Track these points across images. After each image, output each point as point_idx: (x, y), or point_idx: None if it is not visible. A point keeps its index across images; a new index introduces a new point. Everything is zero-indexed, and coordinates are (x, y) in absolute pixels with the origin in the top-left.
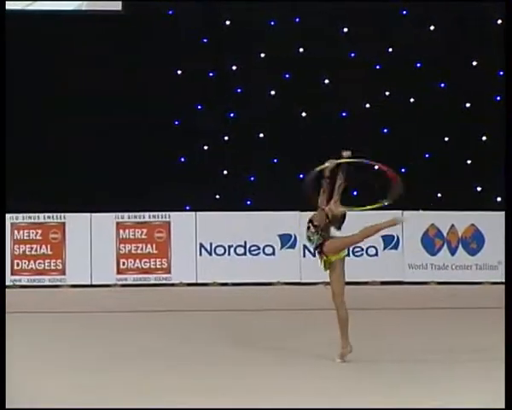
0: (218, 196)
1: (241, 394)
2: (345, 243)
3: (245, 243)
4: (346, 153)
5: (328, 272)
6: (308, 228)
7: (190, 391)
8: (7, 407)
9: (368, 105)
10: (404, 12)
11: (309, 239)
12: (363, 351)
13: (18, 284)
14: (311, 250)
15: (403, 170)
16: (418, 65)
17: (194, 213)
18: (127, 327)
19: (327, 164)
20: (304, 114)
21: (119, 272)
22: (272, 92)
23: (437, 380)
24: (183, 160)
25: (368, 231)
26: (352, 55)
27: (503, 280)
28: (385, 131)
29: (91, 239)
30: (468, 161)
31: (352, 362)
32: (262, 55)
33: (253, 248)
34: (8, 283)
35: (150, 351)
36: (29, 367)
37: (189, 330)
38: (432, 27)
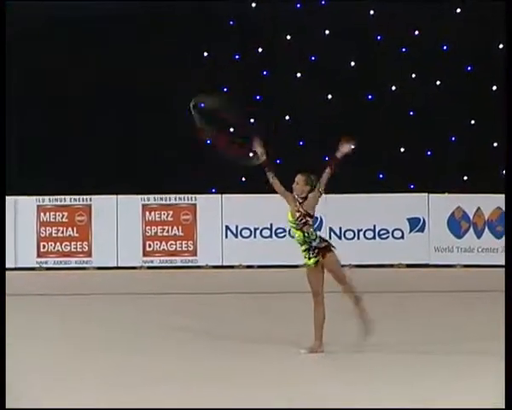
0: (243, 179)
1: (272, 377)
2: (339, 272)
3: (271, 225)
4: None
5: (309, 270)
6: (306, 223)
7: (227, 375)
8: (7, 406)
9: (394, 88)
10: None
11: (307, 236)
12: (388, 333)
13: (44, 266)
14: (300, 245)
15: (429, 153)
16: (445, 48)
17: (220, 195)
18: (153, 309)
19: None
20: (330, 97)
21: (145, 254)
22: (298, 75)
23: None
24: (209, 142)
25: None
26: (379, 38)
27: None
28: (411, 113)
29: (117, 221)
30: (495, 144)
31: (377, 346)
32: (288, 37)
33: (279, 231)
34: (34, 265)
35: (177, 332)
36: (58, 349)
37: (215, 312)
38: (458, 10)
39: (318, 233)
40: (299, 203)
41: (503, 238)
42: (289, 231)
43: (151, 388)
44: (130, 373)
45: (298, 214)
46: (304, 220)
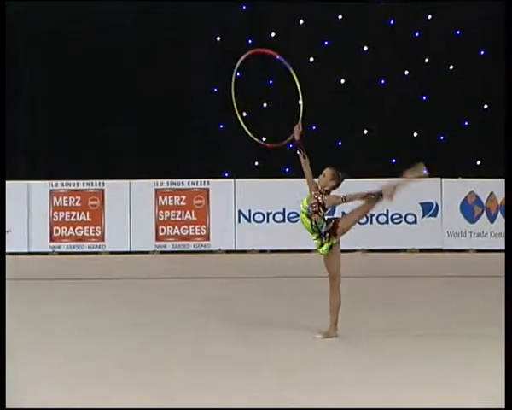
0: (256, 163)
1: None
2: (358, 216)
3: (284, 209)
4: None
5: (325, 256)
6: (317, 212)
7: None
8: (7, 406)
9: (407, 72)
10: None
11: (315, 224)
12: (401, 318)
13: (57, 250)
14: (310, 234)
15: (441, 137)
16: (457, 32)
17: (232, 180)
18: (166, 294)
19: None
20: (342, 81)
21: (157, 238)
22: (311, 59)
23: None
24: (221, 127)
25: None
26: (391, 22)
27: None
28: (424, 98)
29: (130, 206)
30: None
31: (390, 330)
32: (301, 21)
33: (291, 215)
34: (46, 249)
35: (190, 317)
36: (71, 333)
37: (228, 297)
38: None
39: (326, 217)
40: (320, 193)
41: None
42: None
43: (171, 375)
44: (147, 359)
45: (314, 201)
46: (316, 209)
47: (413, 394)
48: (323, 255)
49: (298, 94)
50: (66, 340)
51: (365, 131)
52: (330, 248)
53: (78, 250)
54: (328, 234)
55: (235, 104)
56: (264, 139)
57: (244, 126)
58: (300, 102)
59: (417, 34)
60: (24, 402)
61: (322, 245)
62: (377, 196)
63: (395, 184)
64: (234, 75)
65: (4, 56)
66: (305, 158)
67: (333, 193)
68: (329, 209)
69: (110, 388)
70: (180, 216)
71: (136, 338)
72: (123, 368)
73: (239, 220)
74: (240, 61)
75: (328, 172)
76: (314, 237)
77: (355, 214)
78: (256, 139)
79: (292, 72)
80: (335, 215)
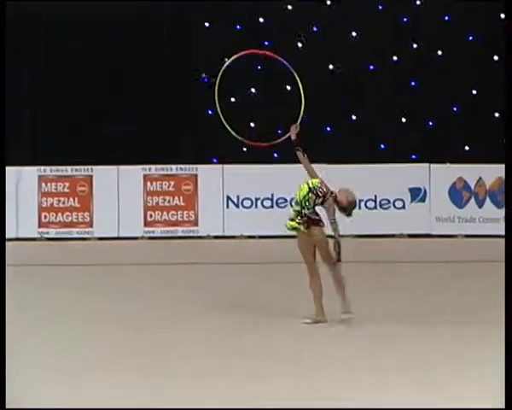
0: (245, 149)
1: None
2: (323, 253)
3: (272, 195)
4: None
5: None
6: (316, 195)
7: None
8: (7, 406)
9: (395, 58)
10: None
11: (307, 200)
12: (391, 303)
13: (45, 236)
14: (294, 205)
15: (430, 123)
16: (446, 18)
17: (221, 165)
18: (154, 280)
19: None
20: (331, 67)
21: (146, 224)
22: (299, 45)
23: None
24: (210, 112)
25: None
26: (380, 7)
27: None
28: (412, 84)
29: (119, 192)
30: (496, 114)
31: (381, 316)
32: (289, 7)
33: (280, 201)
34: (35, 235)
35: (179, 303)
36: (58, 319)
37: (216, 283)
38: None
39: (316, 210)
40: (332, 193)
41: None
42: (290, 200)
43: (163, 361)
44: (138, 346)
45: (324, 189)
46: (319, 193)
47: (403, 378)
48: (298, 238)
49: (300, 95)
50: (55, 327)
51: (354, 117)
52: (294, 228)
53: (67, 236)
54: (304, 219)
55: (219, 109)
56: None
57: (234, 132)
58: (302, 102)
59: (406, 20)
60: (23, 401)
61: (292, 220)
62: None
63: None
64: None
65: (4, 56)
66: (304, 156)
67: (337, 213)
68: (319, 206)
69: (101, 374)
70: (168, 202)
71: (126, 325)
72: (116, 354)
73: (227, 206)
74: (232, 59)
75: (350, 193)
76: (293, 208)
77: (323, 250)
78: (248, 142)
79: (295, 74)
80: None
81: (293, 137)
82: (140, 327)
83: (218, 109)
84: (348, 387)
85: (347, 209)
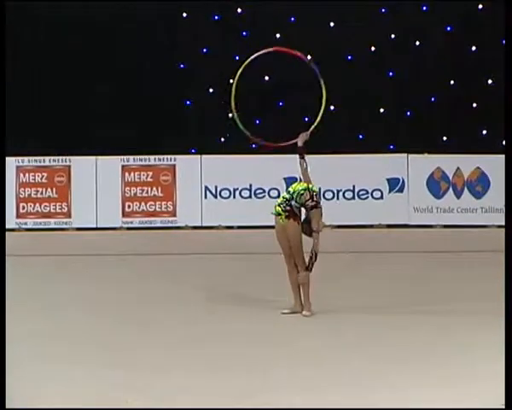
0: (223, 139)
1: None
2: (294, 250)
3: (250, 186)
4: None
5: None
6: (312, 197)
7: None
8: (7, 406)
9: (373, 48)
10: None
11: (298, 194)
12: (369, 294)
13: (23, 227)
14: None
15: (408, 113)
16: (424, 8)
17: (199, 156)
18: (132, 270)
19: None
20: (309, 57)
21: (124, 215)
22: (278, 35)
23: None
24: (188, 103)
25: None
26: None
27: None
28: (390, 74)
29: (97, 182)
30: (474, 104)
31: (360, 307)
32: None
33: (258, 191)
34: (13, 226)
35: (153, 294)
36: (37, 309)
37: (195, 273)
38: None
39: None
40: (317, 204)
41: (483, 199)
42: (269, 191)
43: (142, 351)
44: (115, 336)
45: (314, 194)
46: (315, 197)
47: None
48: (276, 228)
49: (321, 103)
50: (33, 317)
51: (332, 107)
52: (278, 214)
53: (45, 227)
54: (287, 208)
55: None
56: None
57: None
58: (321, 111)
59: (384, 10)
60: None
61: (279, 205)
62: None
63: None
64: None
65: (4, 56)
66: (305, 166)
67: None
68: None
69: (83, 365)
70: (147, 192)
71: (103, 314)
72: (95, 346)
73: (205, 196)
74: (258, 55)
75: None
76: (283, 195)
77: (295, 247)
78: (253, 138)
79: (321, 81)
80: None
81: (299, 144)
82: (118, 317)
83: (233, 106)
84: (323, 377)
85: (315, 229)
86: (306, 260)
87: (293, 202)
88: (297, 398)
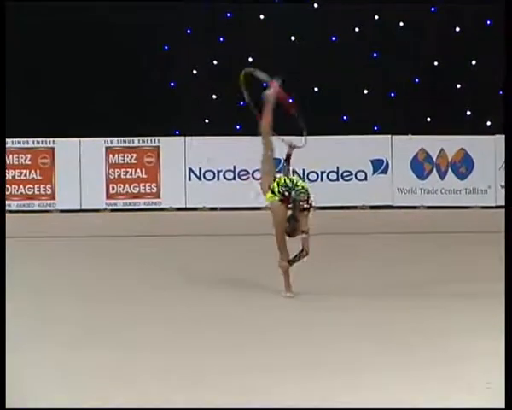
0: (207, 121)
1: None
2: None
3: (234, 167)
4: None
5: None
6: (310, 206)
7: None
8: (7, 406)
9: (357, 29)
10: None
11: (299, 195)
12: (354, 275)
13: (8, 209)
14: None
15: (392, 94)
16: None
17: (183, 137)
18: (116, 252)
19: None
20: (293, 38)
21: (108, 196)
22: (261, 17)
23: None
24: (172, 84)
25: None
26: None
27: (493, 204)
28: (374, 55)
29: (81, 164)
30: (458, 85)
31: (346, 288)
32: None
33: (242, 173)
34: None
35: (136, 277)
36: (21, 291)
37: (178, 255)
38: None
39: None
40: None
41: (466, 180)
42: (253, 173)
43: (125, 333)
44: (103, 318)
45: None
46: (311, 202)
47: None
48: (274, 210)
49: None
50: (18, 299)
51: (316, 89)
52: (272, 192)
53: (29, 209)
54: (285, 194)
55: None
56: None
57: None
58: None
59: None
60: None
61: (278, 185)
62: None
63: None
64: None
65: (4, 55)
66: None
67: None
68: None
69: (70, 348)
70: (131, 174)
71: (89, 297)
72: (82, 329)
73: (189, 178)
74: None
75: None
76: (285, 179)
77: (281, 235)
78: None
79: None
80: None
81: (288, 151)
82: (101, 299)
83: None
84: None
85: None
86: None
87: (293, 193)
88: (289, 383)
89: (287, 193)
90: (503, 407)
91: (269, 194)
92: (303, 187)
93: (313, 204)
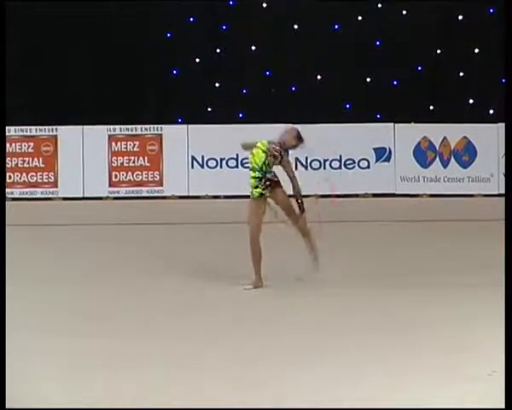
0: (210, 109)
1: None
2: (289, 207)
3: (237, 155)
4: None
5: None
6: (274, 156)
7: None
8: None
9: (360, 18)
10: None
11: (266, 164)
12: (350, 264)
13: (10, 196)
14: (252, 171)
15: (395, 82)
16: None
17: (186, 125)
18: (119, 239)
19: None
20: (296, 27)
21: (111, 184)
22: (264, 5)
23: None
24: (175, 72)
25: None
26: None
27: (495, 192)
28: (377, 43)
29: (83, 152)
30: (461, 74)
31: (344, 275)
32: None
33: (245, 161)
34: None
35: (137, 265)
36: (22, 278)
37: (180, 243)
38: None
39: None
40: (281, 147)
41: (469, 168)
42: None
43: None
44: (99, 305)
45: (277, 147)
46: (276, 154)
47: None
48: (251, 202)
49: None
50: (19, 286)
51: (319, 77)
52: (261, 195)
53: (31, 196)
54: (268, 183)
55: None
56: None
57: None
58: None
59: None
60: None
61: (256, 187)
62: (300, 207)
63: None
64: None
65: (4, 55)
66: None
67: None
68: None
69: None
70: (133, 162)
71: (89, 284)
72: (76, 313)
73: (192, 166)
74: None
75: (291, 129)
76: (253, 175)
77: (288, 208)
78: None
79: None
80: None
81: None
82: (104, 287)
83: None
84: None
85: (298, 143)
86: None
87: (268, 175)
88: (289, 370)
89: (267, 182)
90: (503, 407)
91: (256, 189)
92: (264, 157)
93: (281, 151)
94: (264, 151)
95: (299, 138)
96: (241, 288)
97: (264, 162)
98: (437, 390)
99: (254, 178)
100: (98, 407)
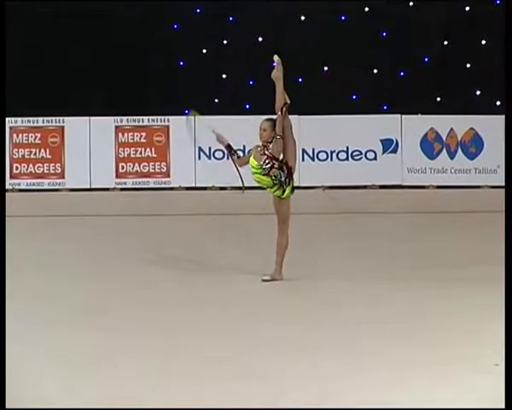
0: (216, 100)
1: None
2: (291, 145)
3: (244, 147)
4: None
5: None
6: (272, 166)
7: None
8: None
9: (367, 9)
10: None
11: (275, 178)
12: (355, 256)
13: (17, 187)
14: (270, 188)
15: (402, 74)
16: None
17: (192, 117)
18: (126, 231)
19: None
20: (303, 18)
21: (118, 175)
22: None
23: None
24: (182, 63)
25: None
26: None
27: (502, 184)
28: (384, 34)
29: (90, 143)
30: (468, 65)
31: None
32: None
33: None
34: (6, 187)
35: (143, 255)
36: (29, 269)
37: (187, 234)
38: None
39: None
40: (264, 147)
41: (476, 159)
42: None
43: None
44: (101, 299)
45: (264, 157)
46: (270, 164)
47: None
48: (281, 199)
49: None
50: (25, 277)
51: (325, 68)
52: (293, 188)
53: (38, 187)
54: (287, 179)
55: None
56: None
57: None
58: None
59: None
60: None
61: (284, 191)
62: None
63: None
64: None
65: (4, 55)
66: (238, 158)
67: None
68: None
69: (70, 327)
70: (140, 153)
71: (97, 276)
72: (89, 309)
73: (199, 157)
74: None
75: (267, 124)
76: (274, 190)
77: (290, 145)
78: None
79: None
80: None
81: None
82: (110, 278)
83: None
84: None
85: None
86: None
87: (282, 178)
88: (289, 358)
89: (279, 188)
90: (503, 406)
91: (287, 192)
92: (269, 179)
93: (269, 155)
94: (263, 175)
95: (280, 116)
96: (250, 278)
97: (273, 180)
98: (440, 383)
99: (275, 191)
100: (98, 407)
